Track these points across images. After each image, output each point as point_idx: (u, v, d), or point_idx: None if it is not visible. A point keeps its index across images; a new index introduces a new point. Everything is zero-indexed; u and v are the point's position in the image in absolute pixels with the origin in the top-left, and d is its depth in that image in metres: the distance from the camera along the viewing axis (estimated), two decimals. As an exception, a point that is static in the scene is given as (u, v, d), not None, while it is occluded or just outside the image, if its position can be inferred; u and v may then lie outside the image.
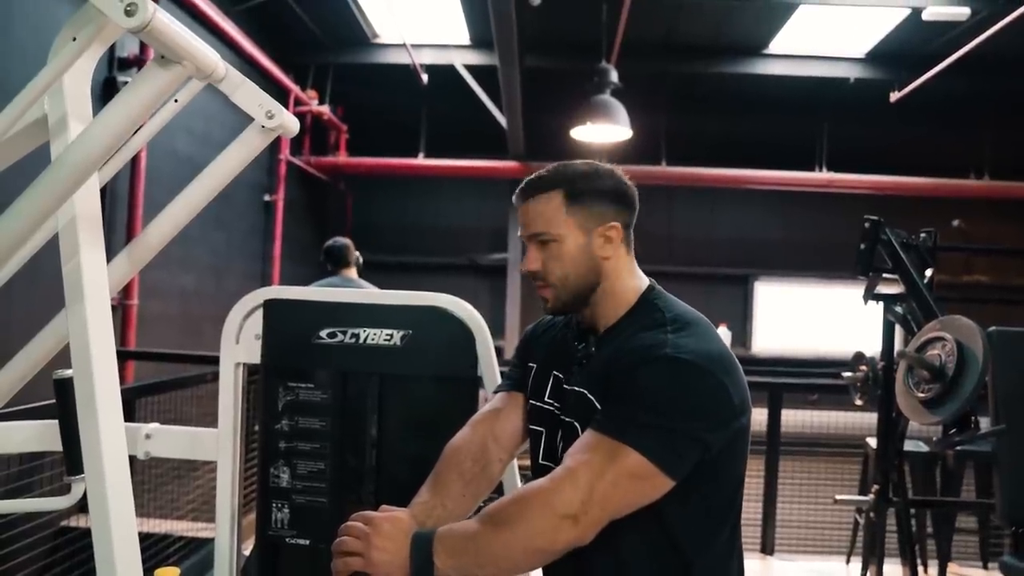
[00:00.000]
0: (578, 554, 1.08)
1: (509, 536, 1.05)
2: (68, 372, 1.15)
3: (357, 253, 4.01)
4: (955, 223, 7.77)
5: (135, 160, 4.60)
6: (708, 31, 6.75)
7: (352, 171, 7.98)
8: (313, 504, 1.54)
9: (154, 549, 3.34)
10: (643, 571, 1.15)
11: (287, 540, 1.55)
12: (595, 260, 1.22)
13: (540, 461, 1.27)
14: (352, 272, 3.97)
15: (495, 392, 1.41)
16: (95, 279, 1.09)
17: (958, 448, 3.67)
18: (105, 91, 4.25)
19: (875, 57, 6.91)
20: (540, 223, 1.21)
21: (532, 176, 1.25)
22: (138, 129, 1.35)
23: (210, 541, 1.64)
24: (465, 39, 6.98)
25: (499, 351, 1.52)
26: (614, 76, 5.87)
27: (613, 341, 1.21)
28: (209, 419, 1.63)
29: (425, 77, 6.96)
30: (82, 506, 1.21)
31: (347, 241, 4.02)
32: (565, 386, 1.24)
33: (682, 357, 1.09)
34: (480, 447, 1.29)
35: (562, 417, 1.23)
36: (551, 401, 1.27)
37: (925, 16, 5.68)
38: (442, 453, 1.29)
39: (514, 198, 1.26)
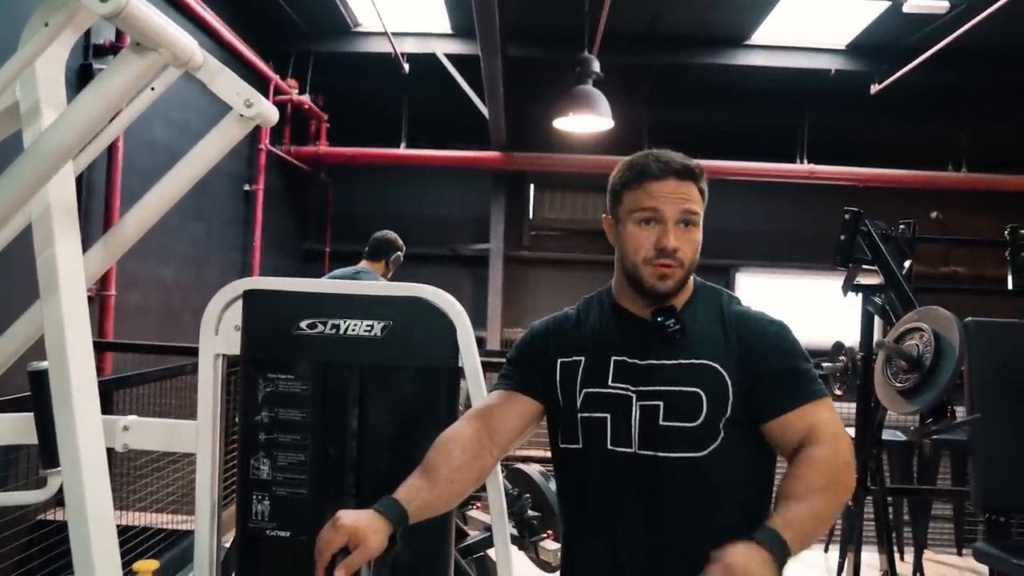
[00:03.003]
0: (712, 507, 1.26)
1: (840, 500, 1.23)
2: (43, 364, 1.13)
3: (399, 253, 3.98)
4: (933, 215, 7.85)
5: (112, 149, 4.53)
6: (691, 22, 6.75)
7: (333, 161, 7.91)
8: (294, 496, 1.53)
9: (134, 542, 3.31)
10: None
11: (267, 532, 1.54)
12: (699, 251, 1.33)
13: (609, 447, 1.29)
14: (374, 266, 3.92)
15: (492, 390, 1.41)
16: (70, 269, 1.07)
17: (935, 437, 3.73)
18: (80, 79, 4.18)
19: (856, 49, 6.94)
20: (692, 205, 1.29)
21: (675, 157, 1.30)
22: (114, 117, 1.33)
23: (190, 534, 1.62)
24: (447, 28, 6.93)
25: (481, 342, 1.52)
26: (596, 66, 5.85)
27: (696, 318, 1.31)
28: (189, 411, 1.62)
29: (407, 66, 6.91)
30: (59, 499, 1.20)
31: (387, 236, 4.00)
32: (643, 362, 1.28)
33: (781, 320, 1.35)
34: (472, 439, 1.30)
35: (643, 394, 1.27)
36: (618, 385, 1.29)
37: (905, 8, 5.72)
38: (435, 442, 1.30)
39: (655, 172, 1.28)
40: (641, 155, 1.33)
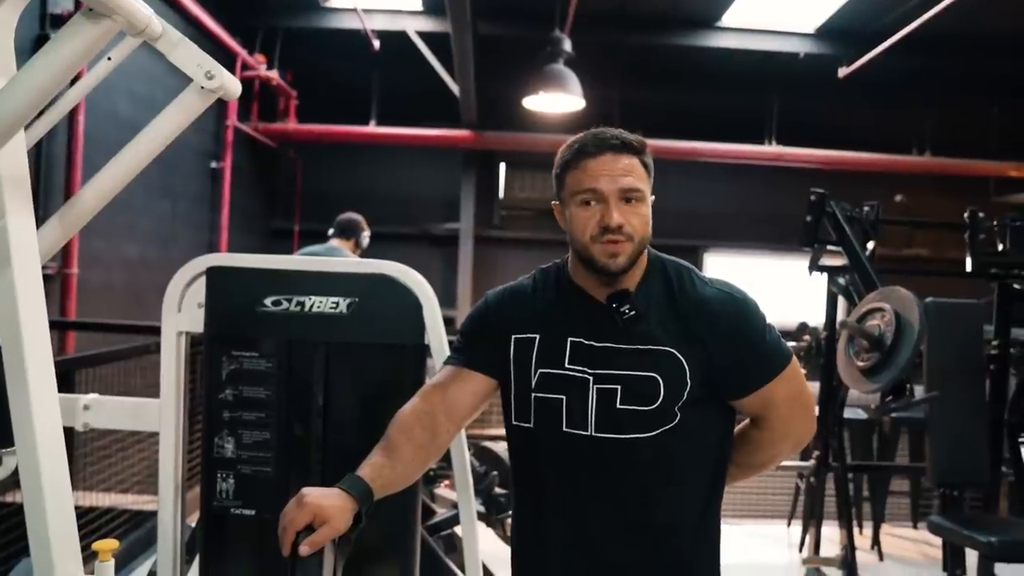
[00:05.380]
0: (681, 479, 1.29)
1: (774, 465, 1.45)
2: (-4, 340, 1.11)
3: (366, 232, 4.06)
4: (898, 198, 7.98)
5: (72, 123, 4.42)
6: (662, 2, 6.74)
7: (302, 138, 7.80)
8: (258, 474, 1.52)
9: (97, 523, 3.27)
10: (718, 492, 1.35)
11: (232, 511, 1.53)
12: (650, 226, 1.29)
13: (564, 429, 1.28)
14: (344, 244, 3.98)
15: (444, 365, 1.40)
16: (23, 243, 1.04)
17: (894, 415, 3.81)
18: (36, 50, 4.05)
19: (824, 33, 6.99)
20: (632, 179, 1.26)
21: (613, 133, 1.28)
22: (70, 86, 1.29)
23: (155, 514, 1.61)
24: (418, 5, 6.84)
25: (451, 321, 1.51)
26: (567, 45, 5.83)
27: (651, 300, 1.29)
28: (155, 391, 1.60)
29: (377, 43, 6.81)
30: (16, 480, 1.17)
31: (354, 216, 4.07)
32: (599, 345, 1.27)
33: (745, 292, 1.34)
34: (430, 417, 1.29)
35: (600, 377, 1.26)
36: (575, 367, 1.28)
37: (874, -8, 5.77)
38: (393, 419, 1.29)
39: (591, 149, 1.27)
40: (580, 135, 1.31)
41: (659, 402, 1.24)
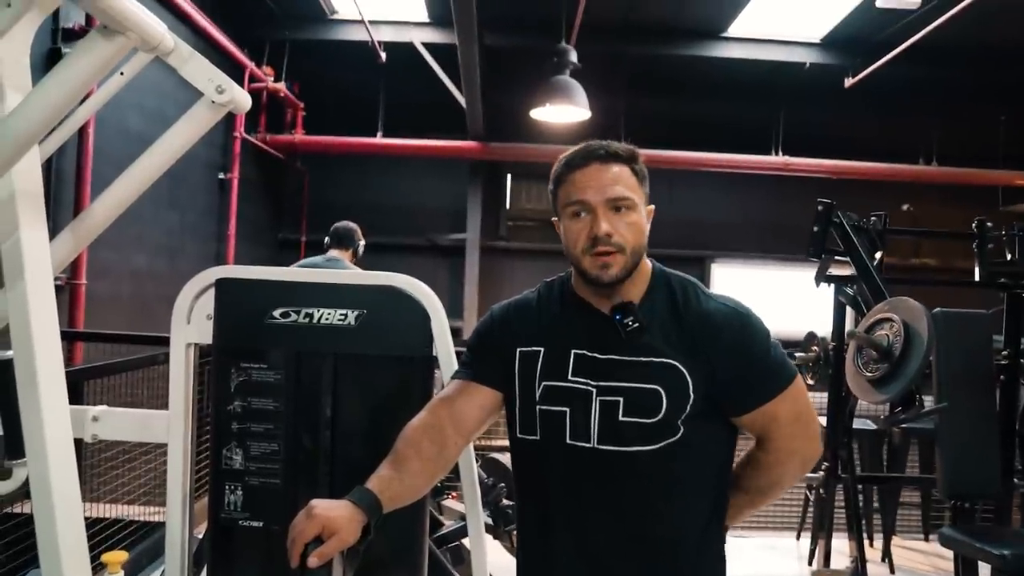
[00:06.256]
0: (684, 495, 1.29)
1: (779, 493, 1.43)
2: (8, 353, 1.11)
3: (362, 240, 4.06)
4: (904, 207, 7.96)
5: (83, 137, 4.46)
6: (668, 13, 6.77)
7: (309, 149, 7.84)
8: (267, 486, 1.52)
9: (105, 534, 3.27)
10: (720, 513, 1.34)
11: (240, 522, 1.53)
12: (646, 235, 1.30)
13: (568, 441, 1.27)
14: (343, 254, 3.97)
15: (452, 379, 1.40)
16: (36, 257, 1.05)
17: (903, 425, 3.79)
18: (48, 63, 4.10)
19: (830, 43, 7.01)
20: (620, 188, 1.27)
21: (600, 144, 1.30)
22: (83, 101, 1.31)
23: (162, 525, 1.61)
24: (424, 16, 6.89)
25: (457, 332, 1.51)
26: (573, 56, 5.85)
27: (655, 313, 1.28)
28: (162, 402, 1.60)
29: (383, 55, 6.86)
30: (26, 491, 1.18)
31: (350, 225, 4.06)
32: (603, 357, 1.27)
33: (749, 307, 1.33)
34: (438, 430, 1.30)
35: (603, 389, 1.26)
36: (578, 379, 1.28)
37: (879, 3, 5.78)
38: (401, 433, 1.30)
39: (578, 162, 1.28)
40: (570, 150, 1.33)
41: (661, 415, 1.24)
